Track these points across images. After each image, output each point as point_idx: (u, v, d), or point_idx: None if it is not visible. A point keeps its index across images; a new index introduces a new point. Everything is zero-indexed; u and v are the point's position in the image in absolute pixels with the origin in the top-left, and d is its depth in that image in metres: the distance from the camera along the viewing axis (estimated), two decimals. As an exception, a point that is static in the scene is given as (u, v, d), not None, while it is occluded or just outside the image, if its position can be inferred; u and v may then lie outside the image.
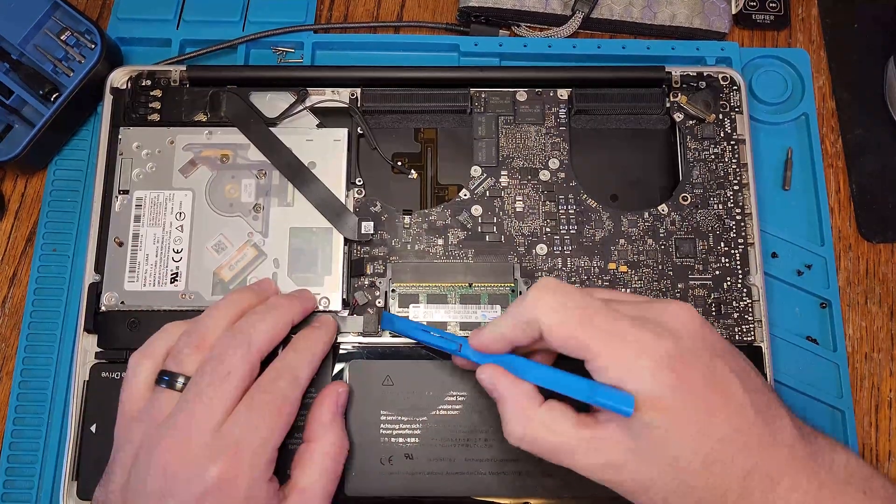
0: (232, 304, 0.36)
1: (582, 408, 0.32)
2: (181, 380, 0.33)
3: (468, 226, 0.42)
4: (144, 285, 0.40)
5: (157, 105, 0.43)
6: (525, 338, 0.32)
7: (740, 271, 0.42)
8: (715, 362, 0.30)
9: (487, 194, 0.43)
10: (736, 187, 0.43)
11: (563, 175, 0.43)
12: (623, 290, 0.41)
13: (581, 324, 0.30)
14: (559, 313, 0.31)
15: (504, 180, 0.43)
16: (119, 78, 0.44)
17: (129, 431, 0.33)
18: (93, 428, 0.38)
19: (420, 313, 0.40)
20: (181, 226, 0.41)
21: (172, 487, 0.30)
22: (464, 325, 0.40)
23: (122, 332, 0.40)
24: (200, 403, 0.32)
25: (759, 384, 0.31)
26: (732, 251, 0.42)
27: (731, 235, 0.42)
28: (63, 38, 0.45)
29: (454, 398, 0.39)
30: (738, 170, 0.43)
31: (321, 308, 0.40)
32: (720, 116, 0.44)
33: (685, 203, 0.43)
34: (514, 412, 0.32)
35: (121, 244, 0.41)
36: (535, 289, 0.32)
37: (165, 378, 0.33)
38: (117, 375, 0.39)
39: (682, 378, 0.29)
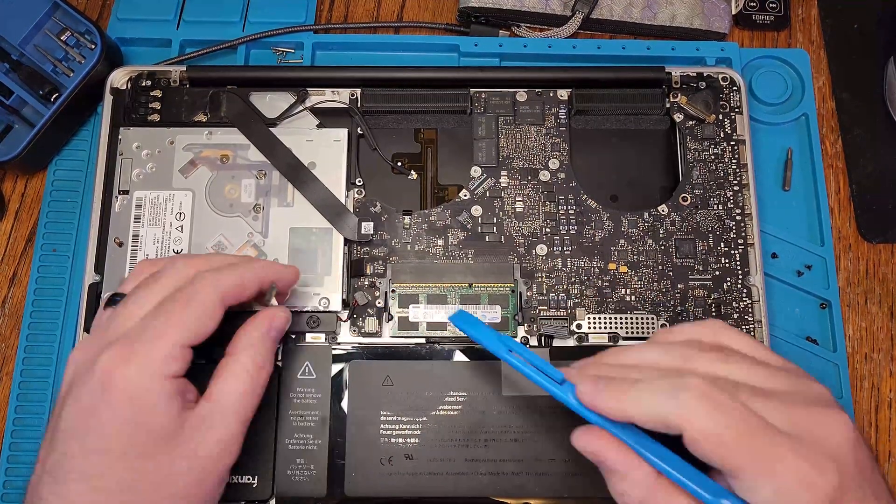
0: (207, 258, 0.35)
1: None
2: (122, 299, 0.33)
3: (468, 226, 0.42)
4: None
5: (157, 105, 0.44)
6: (655, 429, 0.28)
7: (740, 272, 0.42)
8: (868, 495, 0.27)
9: (487, 195, 0.43)
10: (736, 188, 0.43)
11: (563, 175, 0.43)
12: (623, 290, 0.41)
13: (737, 444, 0.26)
14: (713, 432, 0.27)
15: (504, 181, 0.43)
16: (119, 78, 0.44)
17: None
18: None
19: (420, 314, 0.40)
20: (181, 226, 0.41)
21: (75, 384, 0.30)
22: (464, 326, 0.40)
23: (122, 332, 0.40)
24: (123, 309, 0.32)
25: None
26: (732, 251, 0.42)
27: (731, 236, 0.42)
28: (63, 38, 0.45)
29: (454, 398, 0.39)
30: (738, 170, 0.43)
31: (321, 308, 0.40)
32: (720, 117, 0.44)
33: (685, 203, 0.43)
34: (633, 486, 0.29)
35: (121, 244, 0.41)
36: (688, 394, 0.27)
37: (116, 299, 0.34)
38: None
39: None
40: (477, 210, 0.42)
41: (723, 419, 0.27)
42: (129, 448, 0.29)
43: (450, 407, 0.39)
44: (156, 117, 0.43)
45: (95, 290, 0.40)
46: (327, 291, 0.40)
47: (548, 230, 0.42)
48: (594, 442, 0.29)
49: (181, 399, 0.31)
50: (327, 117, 0.44)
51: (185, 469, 0.30)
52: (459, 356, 0.40)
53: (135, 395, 0.30)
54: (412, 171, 0.44)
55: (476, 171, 0.43)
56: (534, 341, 0.40)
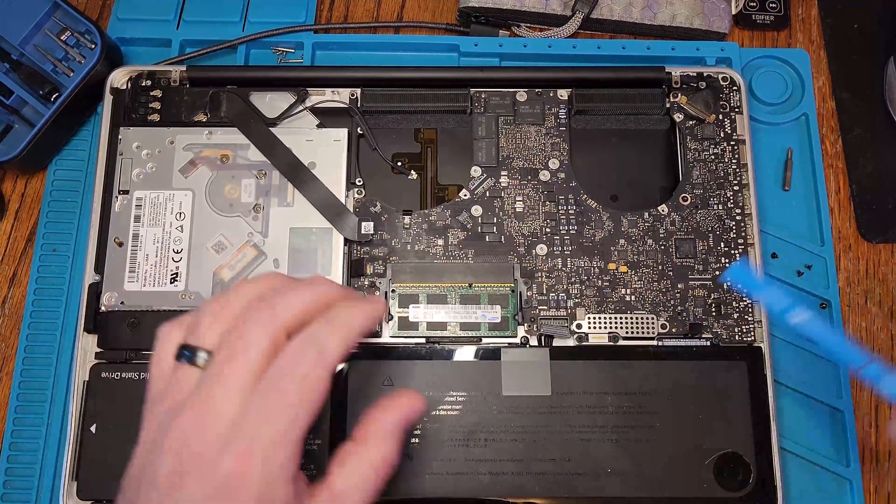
0: (267, 279, 0.31)
1: None
2: (202, 354, 0.29)
3: (468, 226, 0.42)
4: (144, 285, 0.40)
5: (157, 105, 0.43)
6: None
7: (740, 271, 0.42)
8: None
9: (487, 194, 0.43)
10: (736, 188, 0.43)
11: (563, 175, 0.43)
12: (624, 290, 0.41)
13: None
14: None
15: (504, 180, 0.43)
16: (119, 78, 0.44)
17: (150, 412, 0.29)
18: (93, 428, 0.38)
19: (420, 313, 0.40)
20: (181, 226, 0.41)
21: (184, 478, 0.27)
22: (464, 325, 0.40)
23: (122, 332, 0.40)
24: (217, 385, 0.27)
25: None
26: (732, 251, 0.42)
27: (731, 236, 0.42)
28: (63, 38, 0.45)
29: (454, 398, 0.39)
30: (737, 170, 0.43)
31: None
32: (720, 117, 0.44)
33: (685, 203, 0.43)
34: None
35: (121, 244, 0.41)
36: None
37: (186, 353, 0.29)
38: (117, 376, 0.39)
39: None
40: (477, 210, 0.42)
41: None
42: None
43: (450, 407, 0.39)
44: (156, 117, 0.43)
45: (95, 289, 0.40)
46: (327, 291, 0.40)
47: (548, 230, 0.42)
48: None
49: (301, 497, 0.28)
50: (327, 117, 0.44)
51: None
52: (459, 356, 0.40)
53: (261, 497, 0.27)
54: (412, 171, 0.44)
55: (476, 171, 0.43)
56: (534, 341, 0.40)
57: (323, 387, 0.28)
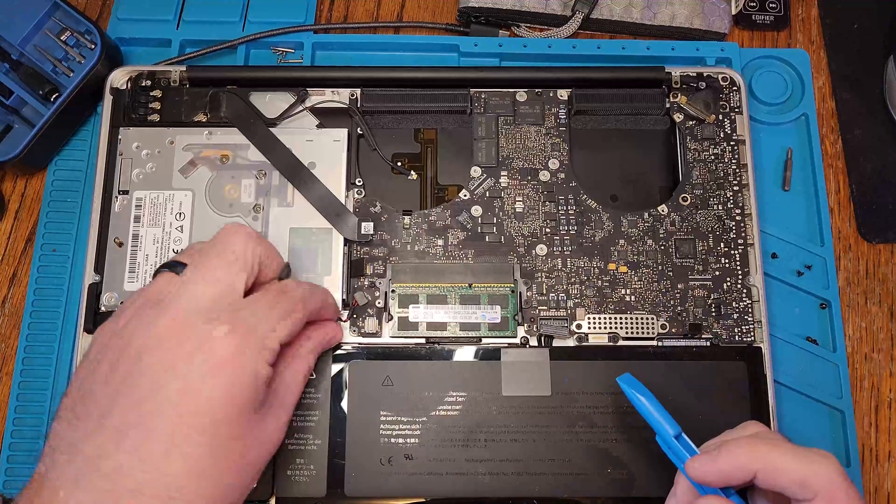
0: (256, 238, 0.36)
1: None
2: (180, 266, 0.33)
3: (468, 226, 0.42)
4: (144, 285, 0.40)
5: (156, 105, 0.43)
6: (741, 481, 0.32)
7: (740, 272, 0.42)
8: None
9: (487, 195, 0.43)
10: (736, 188, 0.43)
11: (562, 175, 0.43)
12: (623, 290, 0.41)
13: (810, 470, 0.30)
14: (782, 463, 0.31)
15: (504, 181, 0.43)
16: (119, 78, 0.44)
17: (121, 310, 0.33)
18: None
19: (420, 314, 0.40)
20: (181, 226, 0.41)
21: (179, 345, 0.30)
22: (464, 326, 0.40)
23: (121, 332, 0.40)
24: (205, 279, 0.32)
25: None
26: (732, 252, 0.42)
27: (731, 236, 0.42)
28: (63, 38, 0.45)
29: (454, 398, 0.39)
30: (737, 170, 0.43)
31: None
32: (720, 117, 0.44)
33: (685, 203, 0.43)
34: None
35: (121, 244, 0.41)
36: (748, 443, 0.31)
37: (171, 264, 0.34)
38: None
39: None
40: (477, 210, 0.42)
41: (788, 452, 0.31)
42: (224, 422, 0.30)
43: (450, 407, 0.39)
44: (156, 117, 0.43)
45: (95, 290, 0.40)
46: (327, 291, 0.40)
47: (548, 230, 0.42)
48: None
49: (268, 387, 0.33)
50: (327, 117, 0.44)
51: (257, 446, 0.32)
52: (459, 356, 0.40)
53: (248, 377, 0.31)
54: (412, 171, 0.44)
55: (476, 171, 0.43)
56: (534, 341, 0.40)
57: (301, 322, 0.35)
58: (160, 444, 0.29)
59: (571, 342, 0.41)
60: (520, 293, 0.41)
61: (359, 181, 0.43)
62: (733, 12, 0.49)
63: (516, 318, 0.40)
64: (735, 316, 0.41)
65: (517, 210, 0.43)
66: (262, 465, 0.33)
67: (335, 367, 0.39)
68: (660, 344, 0.41)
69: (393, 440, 0.38)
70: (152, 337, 0.30)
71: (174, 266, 0.33)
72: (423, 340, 0.40)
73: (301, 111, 0.43)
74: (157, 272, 0.34)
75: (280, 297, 0.34)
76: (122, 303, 0.36)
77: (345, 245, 0.41)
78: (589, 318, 0.41)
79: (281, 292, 0.34)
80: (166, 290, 0.32)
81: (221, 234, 0.34)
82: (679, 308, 0.41)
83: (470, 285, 0.41)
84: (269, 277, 0.36)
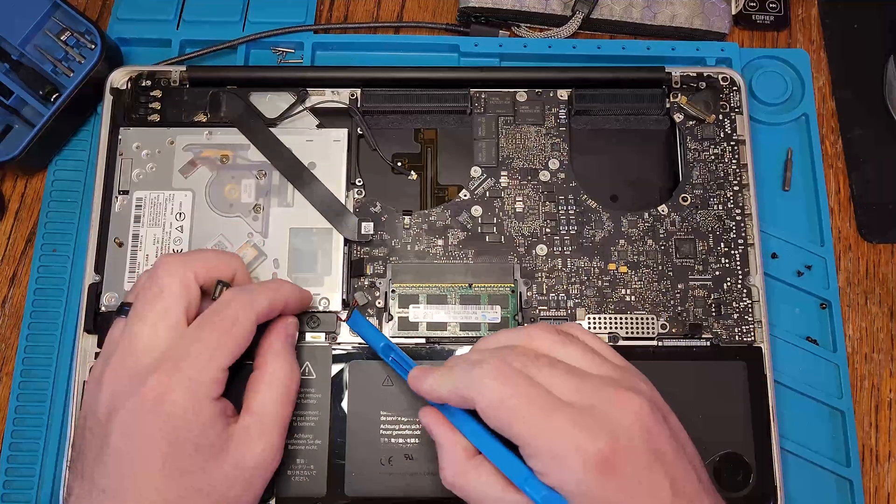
0: (197, 256, 0.36)
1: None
2: (127, 307, 0.34)
3: (468, 226, 0.42)
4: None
5: (157, 105, 0.43)
6: (461, 405, 0.32)
7: (740, 272, 0.42)
8: (652, 465, 0.29)
9: (487, 195, 0.43)
10: (736, 188, 0.43)
11: (563, 175, 0.43)
12: (623, 290, 0.41)
13: (517, 417, 0.29)
14: (497, 401, 0.30)
15: (504, 181, 0.43)
16: (119, 78, 0.44)
17: (92, 370, 0.34)
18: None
19: (420, 314, 0.40)
20: (181, 226, 0.41)
21: (116, 406, 0.31)
22: (464, 326, 0.40)
23: (122, 332, 0.40)
24: (141, 321, 0.32)
25: (692, 489, 0.30)
26: (732, 252, 0.42)
27: (731, 236, 0.42)
28: (63, 38, 0.45)
29: (454, 398, 0.39)
30: (738, 170, 0.43)
31: (320, 308, 0.40)
32: (720, 117, 0.44)
33: (685, 204, 0.43)
34: (447, 460, 0.32)
35: (121, 244, 0.41)
36: (480, 369, 0.31)
37: (124, 308, 0.34)
38: (117, 376, 0.39)
39: (609, 481, 0.28)
40: (477, 210, 0.42)
41: (507, 390, 0.30)
42: (182, 466, 0.30)
43: (450, 407, 0.39)
44: (156, 117, 0.43)
45: (95, 290, 0.40)
46: (327, 291, 0.40)
47: (548, 230, 0.42)
48: (425, 417, 0.34)
49: (224, 417, 0.32)
50: (327, 117, 0.44)
51: (236, 477, 0.32)
52: (459, 356, 0.40)
53: (185, 418, 0.31)
54: (412, 172, 0.44)
55: (476, 171, 0.43)
56: (534, 341, 0.40)
57: (249, 330, 0.33)
58: (132, 495, 0.30)
59: (571, 342, 0.41)
60: (520, 293, 0.41)
61: (359, 181, 0.43)
62: (733, 12, 0.49)
63: (516, 318, 0.40)
64: (735, 316, 0.41)
65: (517, 210, 0.43)
66: (257, 486, 0.33)
67: (335, 368, 0.39)
68: (660, 344, 0.41)
69: (393, 440, 0.38)
70: (106, 394, 0.32)
71: (123, 309, 0.34)
72: (423, 340, 0.40)
73: (301, 111, 0.43)
74: (116, 314, 0.35)
75: (213, 321, 0.33)
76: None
77: (345, 245, 0.41)
78: (589, 319, 0.41)
79: (214, 313, 0.33)
80: (114, 339, 0.34)
81: (152, 268, 0.34)
82: (679, 308, 0.41)
83: (470, 285, 0.41)
84: (239, 281, 0.36)
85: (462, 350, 0.40)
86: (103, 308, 0.40)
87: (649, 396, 0.31)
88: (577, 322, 0.41)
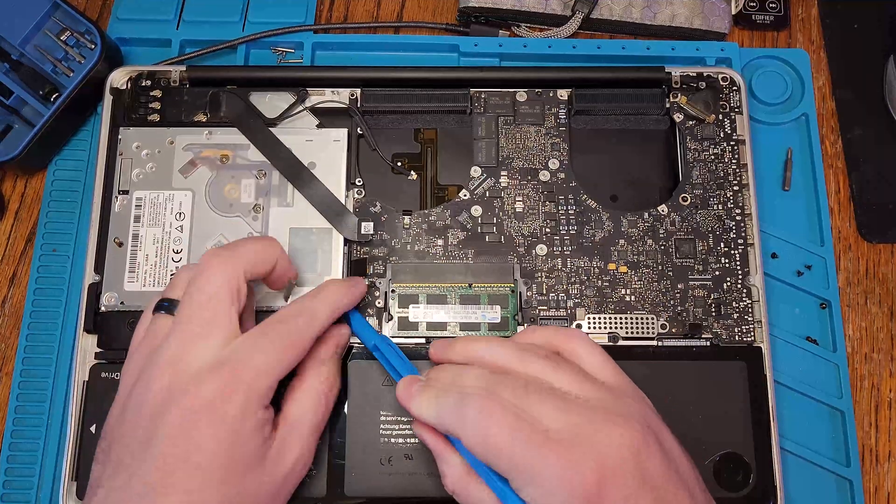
0: (228, 245, 0.36)
1: None
2: (176, 304, 0.33)
3: (468, 226, 0.42)
4: (144, 285, 0.40)
5: (157, 105, 0.43)
6: (446, 434, 0.32)
7: (740, 272, 0.42)
8: (640, 491, 0.29)
9: (487, 195, 0.43)
10: (736, 188, 0.43)
11: (562, 175, 0.43)
12: (623, 290, 0.41)
13: (502, 454, 0.29)
14: (481, 438, 0.30)
15: (504, 181, 0.43)
16: (119, 78, 0.44)
17: (131, 360, 0.33)
18: (92, 428, 0.38)
19: (420, 314, 0.40)
20: (181, 226, 0.41)
21: (167, 403, 0.30)
22: (464, 326, 0.40)
23: (121, 332, 0.40)
24: (191, 323, 0.32)
25: None
26: (732, 252, 0.42)
27: (731, 236, 0.42)
28: (63, 38, 0.45)
29: (454, 398, 0.39)
30: (737, 170, 0.43)
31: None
32: (720, 117, 0.44)
33: (685, 203, 0.43)
34: (447, 471, 0.32)
35: (121, 244, 0.41)
36: (464, 406, 0.31)
37: (164, 304, 0.34)
38: (117, 376, 0.39)
39: None
40: (477, 210, 0.42)
41: (492, 428, 0.30)
42: (227, 469, 0.30)
43: (450, 407, 0.39)
44: (156, 117, 0.43)
45: (95, 290, 0.40)
46: (327, 291, 0.40)
47: (548, 230, 0.42)
48: (418, 430, 0.34)
49: (268, 425, 0.32)
50: (327, 117, 0.44)
51: (268, 486, 0.32)
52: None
53: (236, 424, 0.31)
54: (412, 172, 0.44)
55: (476, 171, 0.43)
56: (534, 341, 0.40)
57: (307, 345, 0.34)
58: (177, 496, 0.30)
59: (571, 342, 0.41)
60: (520, 293, 0.41)
61: (359, 181, 0.43)
62: (733, 12, 0.49)
63: (516, 318, 0.40)
64: (735, 316, 0.41)
65: (517, 210, 0.43)
66: (286, 489, 0.33)
67: (335, 367, 0.39)
68: (660, 344, 0.41)
69: (393, 440, 0.38)
70: (155, 391, 0.31)
71: (168, 306, 0.34)
72: (423, 340, 0.40)
73: (301, 111, 0.43)
74: (155, 309, 0.34)
75: (278, 331, 0.33)
76: (129, 323, 0.37)
77: (345, 245, 0.41)
78: (589, 318, 0.41)
79: (280, 323, 0.33)
80: (157, 334, 0.33)
81: (197, 269, 0.33)
82: (679, 308, 0.41)
83: (470, 285, 0.41)
84: (278, 282, 0.37)
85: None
86: (103, 308, 0.40)
87: (641, 419, 0.31)
88: (578, 322, 0.41)
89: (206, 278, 0.33)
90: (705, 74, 0.45)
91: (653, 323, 0.41)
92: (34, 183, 0.47)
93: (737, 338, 0.41)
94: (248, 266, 0.34)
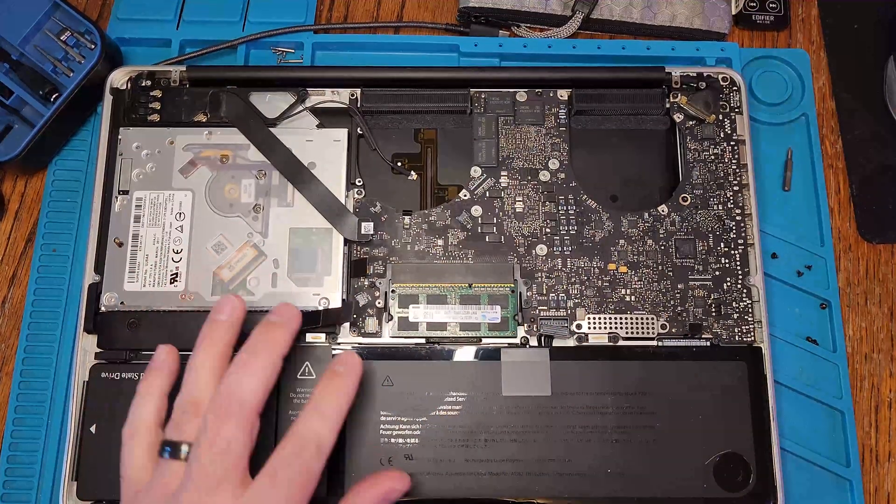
0: (209, 349, 0.34)
1: None
2: (185, 448, 0.32)
3: (468, 226, 0.42)
4: (144, 286, 0.40)
5: (156, 105, 0.43)
6: None
7: (740, 272, 0.42)
8: None
9: (487, 195, 0.43)
10: (736, 188, 0.43)
11: (563, 175, 0.43)
12: (623, 290, 0.41)
13: None
14: None
15: (504, 181, 0.43)
16: (119, 78, 0.44)
17: (135, 502, 0.32)
18: (92, 428, 0.38)
19: (420, 314, 0.40)
20: (181, 226, 0.41)
21: None
22: (464, 326, 0.40)
23: (121, 332, 0.40)
24: (206, 478, 0.30)
25: None
26: (732, 252, 0.42)
27: (731, 236, 0.42)
28: (63, 38, 0.45)
29: (454, 399, 0.39)
30: (737, 170, 0.43)
31: (321, 308, 0.40)
32: (720, 117, 0.44)
33: (685, 204, 0.43)
34: None
35: (121, 244, 0.41)
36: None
37: (168, 448, 0.32)
38: (117, 376, 0.39)
39: None
40: (477, 210, 0.42)
41: None
42: None
43: (450, 407, 0.39)
44: (156, 117, 0.43)
45: (95, 290, 0.40)
46: (327, 291, 0.40)
47: (548, 230, 0.42)
48: None
49: None
50: (327, 117, 0.44)
51: None
52: (459, 356, 0.40)
53: None
54: (412, 172, 0.44)
55: (476, 171, 0.43)
56: (534, 341, 0.40)
57: (319, 477, 0.32)
58: None
59: (571, 342, 0.41)
60: (520, 293, 0.41)
61: (359, 181, 0.43)
62: (733, 12, 0.49)
63: (516, 318, 0.40)
64: (735, 316, 0.41)
65: (517, 210, 0.43)
66: None
67: (335, 368, 0.39)
68: (660, 344, 0.41)
69: (393, 440, 0.38)
70: None
71: (176, 449, 0.32)
72: (423, 340, 0.40)
73: (301, 111, 0.43)
74: (161, 450, 0.32)
75: (292, 478, 0.31)
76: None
77: (345, 245, 0.41)
78: (589, 318, 0.41)
79: (286, 467, 0.32)
80: (174, 485, 0.31)
81: (211, 421, 0.31)
82: (679, 308, 0.41)
83: (470, 285, 0.41)
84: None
85: (462, 350, 0.40)
86: (103, 308, 0.40)
87: None
88: (578, 322, 0.41)
89: (225, 426, 0.31)
90: (705, 74, 0.45)
91: (653, 323, 0.41)
92: (34, 183, 0.47)
93: (737, 338, 0.41)
94: (264, 395, 0.33)
